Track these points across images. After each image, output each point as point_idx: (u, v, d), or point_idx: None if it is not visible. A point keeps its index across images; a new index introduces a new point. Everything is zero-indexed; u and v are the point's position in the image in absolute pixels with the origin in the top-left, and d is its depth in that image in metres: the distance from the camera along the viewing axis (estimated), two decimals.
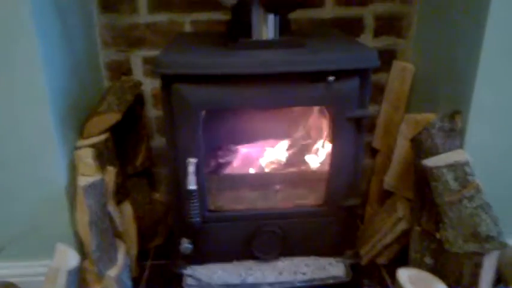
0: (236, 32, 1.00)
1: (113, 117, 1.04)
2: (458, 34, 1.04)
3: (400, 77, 1.30)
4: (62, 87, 0.98)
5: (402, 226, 1.11)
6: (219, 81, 0.88)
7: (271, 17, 0.94)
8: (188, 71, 0.86)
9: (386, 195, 1.26)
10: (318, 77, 0.88)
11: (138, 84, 1.25)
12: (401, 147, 1.16)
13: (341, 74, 0.89)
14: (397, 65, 1.31)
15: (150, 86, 1.32)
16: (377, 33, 1.31)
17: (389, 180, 1.20)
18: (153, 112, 1.35)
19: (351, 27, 1.29)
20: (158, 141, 1.37)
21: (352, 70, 0.89)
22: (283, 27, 0.96)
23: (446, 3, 1.10)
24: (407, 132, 1.14)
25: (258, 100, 0.91)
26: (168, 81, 0.88)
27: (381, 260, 1.19)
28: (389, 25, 1.30)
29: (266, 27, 0.95)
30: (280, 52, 0.91)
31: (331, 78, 0.88)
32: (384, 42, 1.32)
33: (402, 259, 1.14)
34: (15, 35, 0.86)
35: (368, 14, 1.28)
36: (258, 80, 0.88)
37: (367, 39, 1.31)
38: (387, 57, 1.33)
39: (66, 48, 1.03)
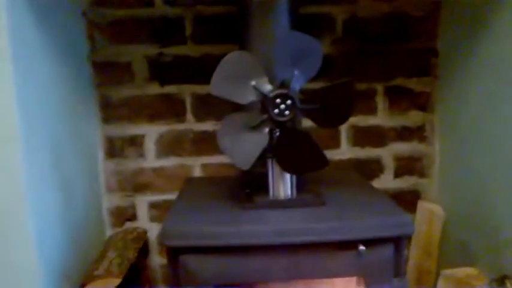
0: (250, 183, 0.93)
1: (111, 283, 0.92)
2: (491, 179, 0.96)
3: (427, 221, 1.19)
4: (56, 260, 0.88)
5: None
6: (233, 251, 0.77)
7: (288, 176, 0.87)
8: (197, 243, 0.76)
9: None
10: (346, 245, 0.78)
11: (143, 235, 1.15)
12: None
13: (373, 242, 0.78)
14: (423, 207, 1.22)
15: (156, 231, 1.22)
16: (398, 174, 1.24)
17: None
18: (158, 260, 1.23)
19: (369, 168, 1.23)
20: None
21: (385, 238, 0.79)
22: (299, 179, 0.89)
23: (471, 145, 1.04)
24: None
25: (277, 272, 0.79)
26: (176, 253, 0.78)
27: None
28: (410, 165, 1.24)
29: (283, 185, 0.87)
30: (300, 215, 0.82)
31: (362, 248, 0.77)
32: (406, 182, 1.24)
33: None
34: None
35: (386, 154, 1.22)
36: (277, 249, 0.78)
37: (387, 179, 1.23)
38: (411, 198, 1.24)
39: (66, 210, 0.95)
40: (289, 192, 0.87)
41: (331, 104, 0.80)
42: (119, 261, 0.99)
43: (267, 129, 0.80)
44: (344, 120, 0.82)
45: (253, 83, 0.79)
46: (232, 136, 0.80)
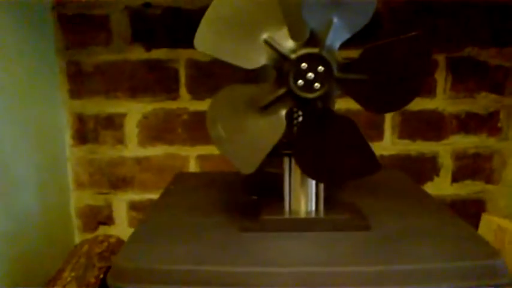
0: (259, 185, 0.67)
1: None
2: None
3: (496, 240, 0.89)
4: None
5: None
6: None
7: (312, 183, 0.57)
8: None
9: None
10: None
11: (115, 247, 0.87)
12: None
13: None
14: (489, 221, 0.91)
15: None
16: (457, 177, 0.93)
17: None
18: None
19: (420, 168, 0.92)
20: None
21: None
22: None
23: None
24: None
25: None
26: None
27: None
28: (474, 165, 0.93)
29: (306, 197, 0.58)
30: (332, 247, 0.53)
31: None
32: (468, 188, 0.93)
33: None
34: None
35: (444, 150, 0.92)
36: None
37: (443, 184, 0.93)
38: (474, 210, 0.94)
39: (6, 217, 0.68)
40: (313, 207, 0.58)
41: (389, 74, 0.50)
42: (75, 286, 0.72)
43: (284, 111, 0.51)
44: (407, 101, 0.52)
45: (265, 35, 0.49)
46: (229, 121, 0.51)
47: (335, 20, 0.48)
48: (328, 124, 0.51)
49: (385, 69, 0.50)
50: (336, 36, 0.49)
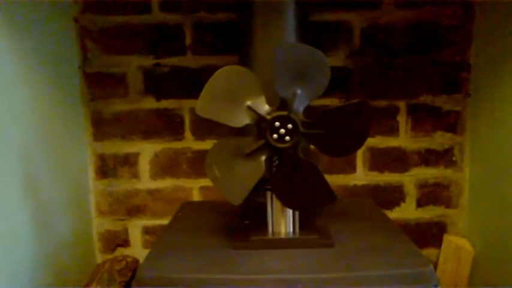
0: (250, 213, 0.82)
1: None
2: None
3: (454, 258, 1.05)
4: None
5: None
6: None
7: (290, 210, 0.74)
8: None
9: None
10: None
11: (132, 265, 1.03)
12: None
13: None
14: (449, 241, 1.07)
15: None
16: (421, 203, 1.09)
17: None
18: None
19: (388, 196, 1.09)
20: None
21: None
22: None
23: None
24: None
25: None
26: None
27: None
28: (435, 193, 1.09)
29: (284, 221, 0.75)
30: (301, 260, 0.70)
31: None
32: (431, 213, 1.09)
33: None
34: None
35: (408, 180, 1.08)
36: None
37: (409, 209, 1.09)
38: (436, 231, 1.09)
39: (41, 240, 0.85)
40: (290, 229, 0.75)
41: (340, 130, 0.67)
42: None
43: (263, 157, 0.68)
44: (355, 148, 0.69)
45: (248, 103, 0.67)
46: (222, 165, 0.68)
47: (298, 91, 0.66)
48: (297, 166, 0.68)
49: (338, 126, 0.67)
50: (300, 103, 0.66)
